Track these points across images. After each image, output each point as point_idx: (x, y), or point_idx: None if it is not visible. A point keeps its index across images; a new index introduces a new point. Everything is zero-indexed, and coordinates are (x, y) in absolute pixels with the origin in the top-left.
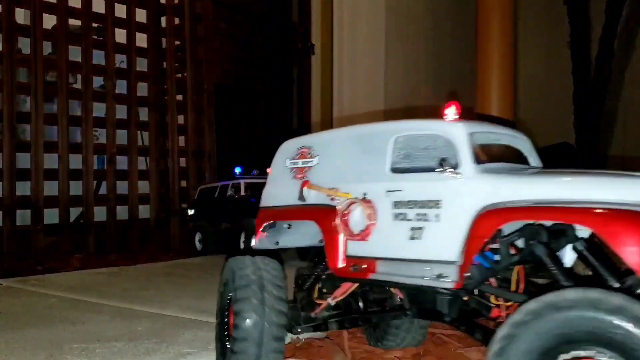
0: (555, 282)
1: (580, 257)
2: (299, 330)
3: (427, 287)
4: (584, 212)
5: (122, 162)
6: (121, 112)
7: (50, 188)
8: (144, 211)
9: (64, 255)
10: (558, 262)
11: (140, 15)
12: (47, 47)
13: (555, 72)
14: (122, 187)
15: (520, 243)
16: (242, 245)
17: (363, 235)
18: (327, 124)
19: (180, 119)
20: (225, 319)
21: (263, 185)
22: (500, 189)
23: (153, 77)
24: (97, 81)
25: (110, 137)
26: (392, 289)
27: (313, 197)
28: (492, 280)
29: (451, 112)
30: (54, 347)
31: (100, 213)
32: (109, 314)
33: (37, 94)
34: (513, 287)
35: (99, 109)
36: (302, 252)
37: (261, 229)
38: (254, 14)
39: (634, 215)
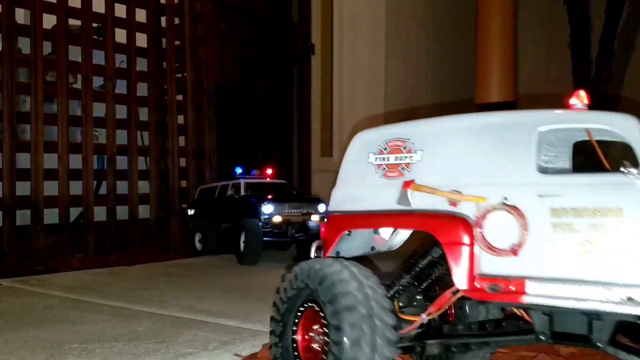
0: None
1: None
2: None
3: (607, 312)
4: None
5: (122, 162)
6: (121, 112)
7: (50, 188)
8: (144, 211)
9: (64, 255)
10: None
11: (140, 15)
12: (47, 47)
13: (555, 72)
14: (122, 187)
15: None
16: (241, 246)
17: (513, 249)
18: (328, 124)
19: (180, 119)
20: (294, 330)
21: (263, 185)
22: None
23: (153, 77)
24: (97, 81)
25: (110, 137)
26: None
27: (419, 200)
28: None
29: (579, 100)
30: (54, 347)
31: (100, 213)
32: (109, 314)
33: (37, 94)
34: None
35: (99, 109)
36: (302, 252)
37: (339, 237)
38: (254, 14)
39: None
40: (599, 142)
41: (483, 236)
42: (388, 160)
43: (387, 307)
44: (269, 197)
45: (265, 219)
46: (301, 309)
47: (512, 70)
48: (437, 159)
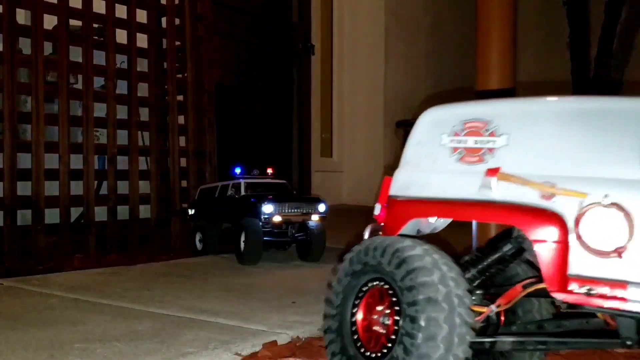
0: None
1: None
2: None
3: None
4: None
5: (122, 162)
6: (122, 112)
7: (51, 188)
8: (144, 211)
9: (64, 255)
10: None
11: (141, 16)
12: (47, 48)
13: (555, 72)
14: (122, 187)
15: None
16: (242, 246)
17: (616, 251)
18: (327, 124)
19: (181, 119)
20: (354, 308)
21: (263, 185)
22: None
23: (154, 77)
24: (98, 81)
25: (111, 138)
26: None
27: (504, 191)
28: None
29: None
30: (54, 347)
31: (101, 213)
32: (110, 314)
33: (38, 95)
34: None
35: (99, 109)
36: (302, 251)
37: (405, 225)
38: (254, 14)
39: None
40: None
41: (581, 235)
42: (466, 143)
43: (468, 304)
44: (269, 197)
45: (265, 218)
46: (365, 287)
47: (512, 71)
48: (527, 146)
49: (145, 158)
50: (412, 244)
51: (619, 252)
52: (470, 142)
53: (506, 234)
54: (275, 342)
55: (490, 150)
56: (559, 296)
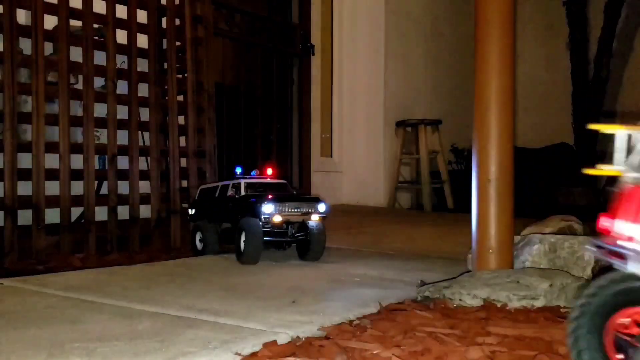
0: None
1: None
2: None
3: None
4: None
5: (123, 162)
6: (122, 112)
7: (52, 188)
8: (144, 211)
9: (64, 254)
10: None
11: (141, 16)
12: (48, 48)
13: (554, 73)
14: (123, 187)
15: None
16: (242, 245)
17: None
18: (327, 124)
19: (181, 119)
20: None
21: (263, 185)
22: None
23: (154, 77)
24: (99, 82)
25: (112, 138)
26: None
27: None
28: None
29: None
30: (55, 346)
31: (101, 213)
32: (110, 313)
33: (38, 95)
34: None
35: (100, 110)
36: (302, 251)
37: None
38: (254, 15)
39: None
40: None
41: None
42: None
43: None
44: (269, 196)
45: (265, 218)
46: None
47: (511, 71)
48: None
49: (146, 158)
50: None
51: None
52: None
53: None
54: (275, 341)
55: None
56: None
